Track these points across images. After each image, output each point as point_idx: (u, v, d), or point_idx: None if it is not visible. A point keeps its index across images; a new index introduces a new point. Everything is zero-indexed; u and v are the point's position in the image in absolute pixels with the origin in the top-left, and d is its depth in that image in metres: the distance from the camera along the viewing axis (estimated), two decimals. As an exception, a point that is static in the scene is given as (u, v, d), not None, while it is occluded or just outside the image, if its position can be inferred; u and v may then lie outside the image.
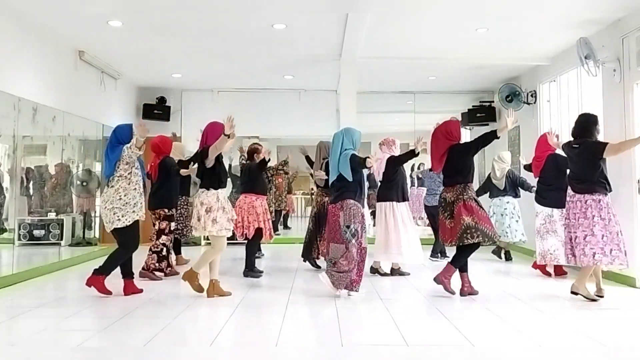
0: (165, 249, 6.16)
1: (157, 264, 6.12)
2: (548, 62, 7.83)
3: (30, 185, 7.34)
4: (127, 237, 5.13)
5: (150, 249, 6.14)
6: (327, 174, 6.10)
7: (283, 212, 10.54)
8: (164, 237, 6.11)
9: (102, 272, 5.08)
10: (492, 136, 5.13)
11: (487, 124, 10.06)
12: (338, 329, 4.01)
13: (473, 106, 10.13)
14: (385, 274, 6.41)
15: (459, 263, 5.18)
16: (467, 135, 11.16)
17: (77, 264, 7.00)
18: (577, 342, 3.74)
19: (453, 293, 5.17)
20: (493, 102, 9.92)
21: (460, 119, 10.57)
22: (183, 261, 7.16)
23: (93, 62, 7.89)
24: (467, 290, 5.20)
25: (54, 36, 6.85)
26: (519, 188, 7.52)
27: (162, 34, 6.89)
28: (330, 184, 5.35)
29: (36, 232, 7.21)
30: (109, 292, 5.08)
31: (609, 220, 4.88)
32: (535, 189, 6.61)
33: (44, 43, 6.73)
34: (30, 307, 4.76)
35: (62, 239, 7.42)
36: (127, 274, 5.27)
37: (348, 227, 5.03)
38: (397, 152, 6.43)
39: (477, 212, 5.03)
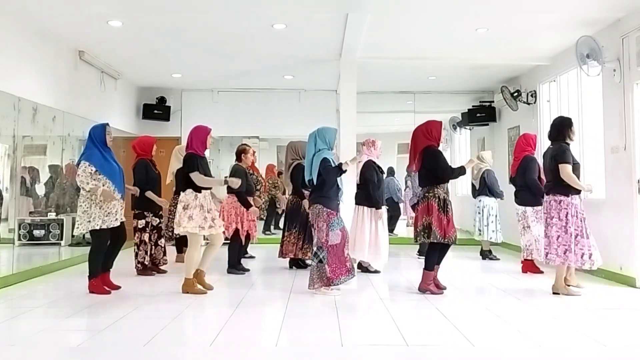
0: (142, 244, 6.30)
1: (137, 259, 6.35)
2: (548, 62, 7.82)
3: (36, 185, 7.31)
4: (92, 240, 5.25)
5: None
6: (292, 176, 6.40)
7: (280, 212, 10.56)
8: (137, 234, 6.27)
9: (90, 275, 5.23)
10: (462, 172, 5.27)
11: (487, 124, 10.08)
12: (338, 329, 4.01)
13: (473, 106, 10.13)
14: (376, 271, 6.47)
15: (431, 264, 5.23)
16: (467, 135, 11.18)
17: (77, 264, 6.99)
18: (577, 342, 3.74)
19: (445, 288, 5.30)
20: (493, 102, 9.91)
21: (460, 118, 10.62)
22: (182, 260, 7.16)
23: (93, 62, 7.88)
24: (426, 288, 5.24)
25: (54, 36, 6.85)
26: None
27: (162, 34, 6.89)
28: (308, 183, 5.38)
29: (36, 232, 7.20)
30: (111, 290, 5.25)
31: (566, 222, 5.09)
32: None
33: (44, 43, 6.72)
34: (30, 307, 4.77)
35: (62, 239, 7.40)
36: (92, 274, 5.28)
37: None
38: (375, 154, 6.43)
39: (435, 213, 5.07)
